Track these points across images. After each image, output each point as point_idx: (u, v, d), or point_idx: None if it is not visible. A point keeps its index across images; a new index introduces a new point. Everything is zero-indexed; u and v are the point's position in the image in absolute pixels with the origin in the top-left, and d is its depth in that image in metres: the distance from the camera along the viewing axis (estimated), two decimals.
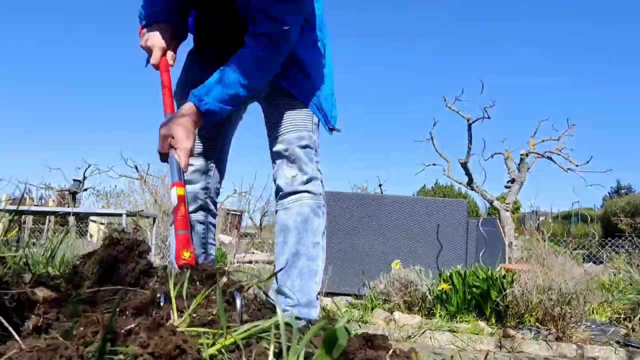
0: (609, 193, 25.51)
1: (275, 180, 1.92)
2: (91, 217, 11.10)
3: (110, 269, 1.15)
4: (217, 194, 2.07)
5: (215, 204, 2.08)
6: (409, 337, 3.21)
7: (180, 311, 0.71)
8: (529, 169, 8.17)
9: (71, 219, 11.74)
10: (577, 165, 8.12)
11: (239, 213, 13.61)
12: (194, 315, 0.70)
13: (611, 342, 3.09)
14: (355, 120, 32.89)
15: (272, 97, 1.94)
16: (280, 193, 1.87)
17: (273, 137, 1.93)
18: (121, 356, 0.67)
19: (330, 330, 0.34)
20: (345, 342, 0.33)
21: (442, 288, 3.78)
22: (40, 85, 33.50)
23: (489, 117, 7.88)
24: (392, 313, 3.70)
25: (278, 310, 0.44)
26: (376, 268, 4.68)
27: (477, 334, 3.20)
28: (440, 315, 3.69)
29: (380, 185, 16.31)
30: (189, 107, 1.62)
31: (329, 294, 4.39)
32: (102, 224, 11.03)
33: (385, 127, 39.72)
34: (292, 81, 1.88)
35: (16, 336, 0.72)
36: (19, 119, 31.86)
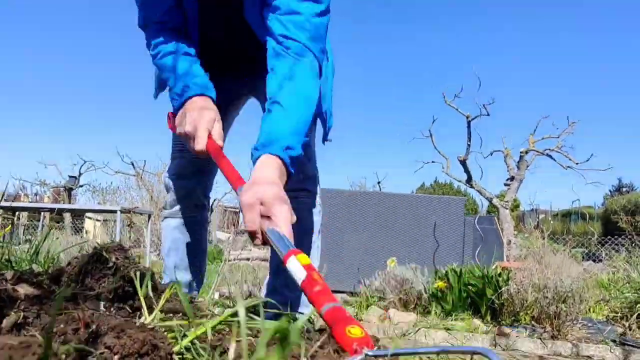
0: (610, 191, 25.54)
1: None
2: (87, 214, 11.10)
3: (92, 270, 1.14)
4: (210, 189, 2.06)
5: (208, 199, 2.07)
6: (404, 334, 3.20)
7: (150, 307, 0.71)
8: (528, 166, 8.16)
9: (66, 216, 11.75)
10: (577, 163, 8.11)
11: (237, 210, 13.62)
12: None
13: (607, 340, 3.09)
14: (354, 116, 32.89)
15: None
16: None
17: None
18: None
19: (282, 329, 0.34)
20: (296, 340, 0.34)
21: (438, 286, 3.78)
22: (34, 82, 33.44)
23: (488, 114, 7.87)
24: (387, 311, 3.70)
25: (239, 302, 0.43)
26: (372, 265, 4.68)
27: (472, 332, 3.20)
28: (436, 313, 3.69)
29: (378, 183, 16.34)
30: (267, 163, 1.28)
31: None
32: (97, 220, 11.04)
33: (384, 125, 39.71)
34: None
35: None
36: (14, 115, 31.84)
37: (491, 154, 8.43)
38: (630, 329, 3.43)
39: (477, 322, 3.44)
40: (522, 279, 3.47)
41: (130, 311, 0.85)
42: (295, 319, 1.13)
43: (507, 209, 7.67)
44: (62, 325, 0.80)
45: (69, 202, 12.75)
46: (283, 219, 1.13)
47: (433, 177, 26.24)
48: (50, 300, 0.96)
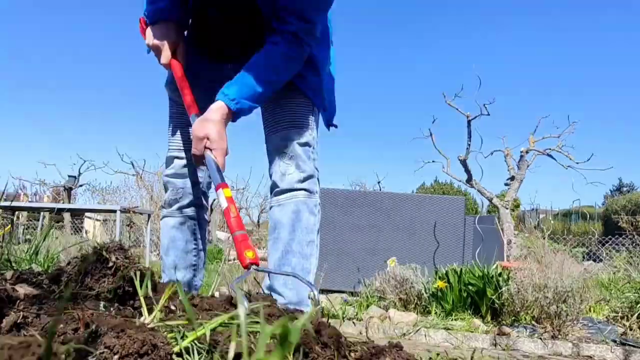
0: (610, 191, 25.55)
1: (270, 176, 1.89)
2: (86, 214, 11.09)
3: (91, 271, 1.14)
4: (209, 187, 2.07)
5: (207, 197, 2.08)
6: (404, 334, 3.20)
7: (151, 307, 0.71)
8: (528, 166, 8.15)
9: (66, 216, 11.75)
10: (577, 163, 8.10)
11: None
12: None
13: (607, 340, 3.09)
14: (355, 116, 32.88)
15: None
16: (276, 189, 1.85)
17: (272, 132, 1.90)
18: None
19: (282, 328, 0.35)
20: (296, 340, 0.35)
21: (438, 286, 3.78)
22: (34, 80, 33.44)
23: (488, 114, 7.86)
24: (387, 310, 3.70)
25: (240, 303, 0.43)
26: (372, 265, 4.68)
27: (472, 332, 3.20)
28: (436, 313, 3.69)
29: (379, 182, 16.34)
30: (219, 106, 1.62)
31: (323, 291, 4.39)
32: (97, 220, 11.03)
33: (384, 124, 39.70)
34: (303, 78, 1.85)
35: None
36: (13, 114, 31.84)
37: (492, 153, 8.43)
38: (630, 329, 3.43)
39: (477, 321, 3.45)
40: (522, 279, 3.47)
41: (132, 310, 0.86)
42: (295, 319, 1.17)
43: (507, 208, 7.67)
44: (61, 325, 0.80)
45: (69, 202, 12.74)
46: (220, 152, 1.56)
47: (433, 176, 26.24)
48: (50, 300, 0.96)
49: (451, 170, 8.44)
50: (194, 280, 2.03)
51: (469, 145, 7.98)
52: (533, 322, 3.42)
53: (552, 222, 16.05)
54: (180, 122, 1.97)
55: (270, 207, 1.90)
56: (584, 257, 9.38)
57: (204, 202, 2.05)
